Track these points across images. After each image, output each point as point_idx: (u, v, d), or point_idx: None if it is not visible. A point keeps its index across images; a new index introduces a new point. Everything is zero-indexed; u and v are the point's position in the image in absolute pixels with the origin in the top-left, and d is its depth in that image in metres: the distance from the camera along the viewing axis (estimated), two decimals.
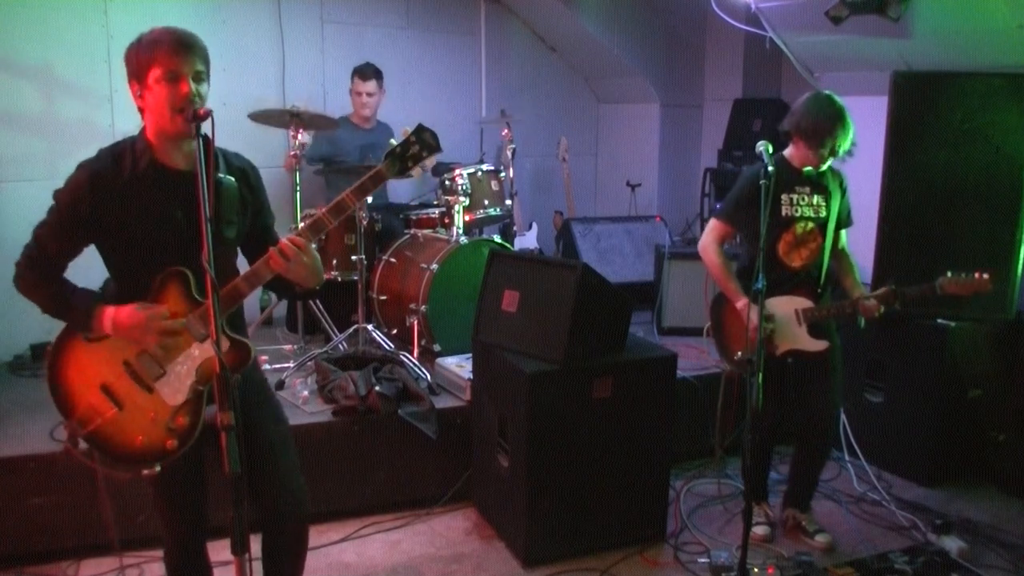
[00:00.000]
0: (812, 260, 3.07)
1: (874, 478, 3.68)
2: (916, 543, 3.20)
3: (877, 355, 3.84)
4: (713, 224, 3.18)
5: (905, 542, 3.22)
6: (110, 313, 1.93)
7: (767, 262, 3.04)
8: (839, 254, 3.21)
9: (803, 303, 3.03)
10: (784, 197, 3.03)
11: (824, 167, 3.03)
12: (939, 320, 3.63)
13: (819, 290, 3.10)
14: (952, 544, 3.10)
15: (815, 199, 3.05)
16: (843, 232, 3.21)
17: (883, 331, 3.74)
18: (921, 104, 3.63)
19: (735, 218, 3.14)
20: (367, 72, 4.77)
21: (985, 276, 2.86)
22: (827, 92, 2.99)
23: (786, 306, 3.03)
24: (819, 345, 3.03)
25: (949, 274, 2.88)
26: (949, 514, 3.40)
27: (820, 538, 3.24)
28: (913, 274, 3.06)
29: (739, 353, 3.05)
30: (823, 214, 3.05)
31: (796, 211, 3.03)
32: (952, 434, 3.73)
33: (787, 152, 3.09)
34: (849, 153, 2.99)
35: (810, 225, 3.04)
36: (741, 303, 3.03)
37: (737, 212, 3.11)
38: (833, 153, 2.95)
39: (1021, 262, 3.54)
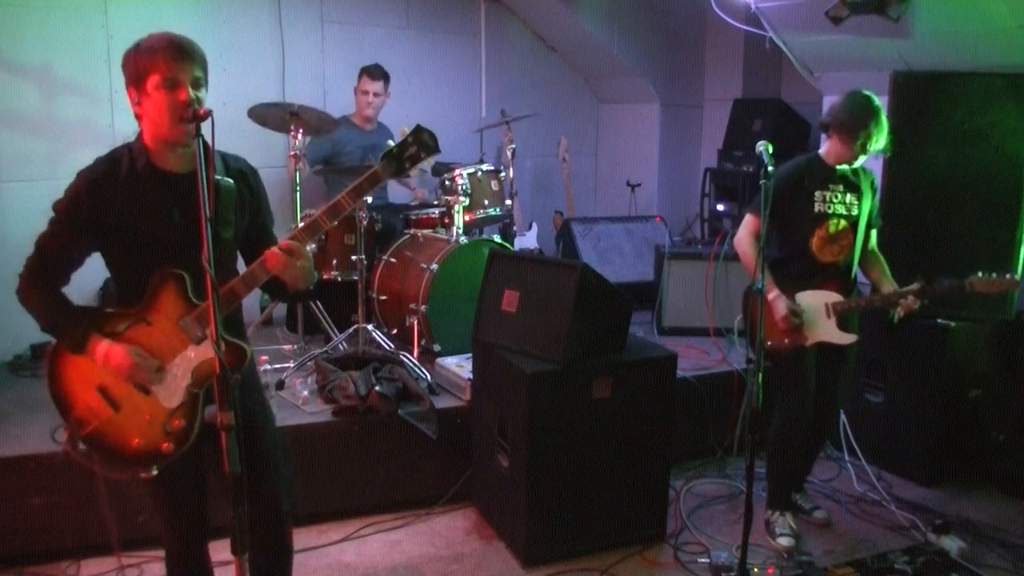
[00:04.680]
0: (843, 256, 3.13)
1: (874, 478, 3.68)
2: (916, 543, 3.20)
3: (877, 355, 3.84)
4: (748, 218, 3.22)
5: (905, 542, 3.22)
6: (103, 348, 1.93)
7: (800, 256, 3.13)
8: (869, 254, 3.27)
9: (833, 296, 3.09)
10: (817, 194, 3.10)
11: (858, 163, 3.09)
12: (939, 320, 3.63)
13: (848, 284, 3.16)
14: (952, 544, 3.10)
15: (848, 197, 3.12)
16: (873, 232, 3.27)
17: (883, 331, 3.74)
18: (921, 104, 3.63)
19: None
20: (375, 72, 4.78)
21: (1016, 278, 2.93)
22: (864, 91, 3.04)
23: (816, 299, 3.09)
24: (848, 338, 3.11)
25: (980, 274, 2.92)
26: (949, 514, 3.40)
27: (818, 514, 3.36)
28: (913, 274, 3.06)
29: (768, 343, 3.08)
30: (855, 212, 3.12)
31: (829, 208, 3.10)
32: (952, 434, 3.73)
33: (822, 150, 3.16)
34: (883, 151, 3.08)
35: (842, 223, 3.10)
36: (772, 294, 3.05)
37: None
38: (865, 149, 3.02)
39: (1021, 262, 3.54)
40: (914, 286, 3.00)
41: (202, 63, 1.93)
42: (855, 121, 2.99)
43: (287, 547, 2.28)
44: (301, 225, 2.04)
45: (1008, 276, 2.91)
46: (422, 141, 2.03)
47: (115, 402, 1.96)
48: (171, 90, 1.86)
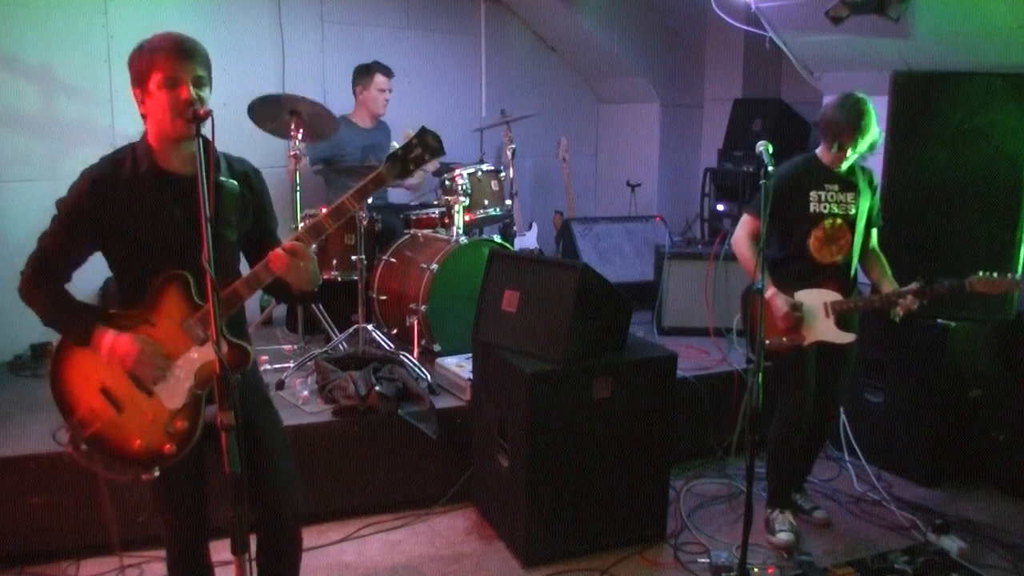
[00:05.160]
0: (842, 255, 3.13)
1: (874, 478, 3.68)
2: (916, 543, 3.20)
3: (877, 355, 3.84)
4: (745, 219, 3.22)
5: (905, 542, 3.22)
6: (109, 339, 1.93)
7: (799, 256, 3.13)
8: (870, 253, 3.27)
9: (832, 296, 3.09)
10: (813, 194, 3.10)
11: (845, 165, 3.09)
12: (939, 320, 3.63)
13: (848, 284, 3.16)
14: (952, 544, 3.10)
15: (844, 196, 3.11)
16: (874, 231, 3.27)
17: (883, 331, 3.74)
18: (921, 104, 3.63)
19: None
20: (389, 70, 4.80)
21: (1016, 278, 2.94)
22: (859, 95, 3.04)
23: (815, 298, 3.09)
24: (846, 338, 3.11)
25: (980, 273, 2.93)
26: (949, 514, 3.40)
27: (818, 514, 3.37)
28: (913, 274, 3.06)
29: (767, 342, 3.07)
30: (852, 211, 3.12)
31: (824, 207, 3.10)
32: (952, 434, 3.73)
33: (818, 150, 3.17)
34: (865, 154, 3.08)
35: (838, 221, 3.10)
36: (769, 293, 3.06)
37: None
38: (844, 150, 3.02)
39: (1021, 262, 3.54)
40: (913, 286, 3.01)
41: (205, 63, 1.94)
42: (832, 125, 3.01)
43: (290, 548, 2.27)
44: (303, 226, 2.04)
45: (1009, 276, 2.92)
46: (426, 143, 2.03)
47: (118, 403, 1.96)
48: (172, 88, 1.87)
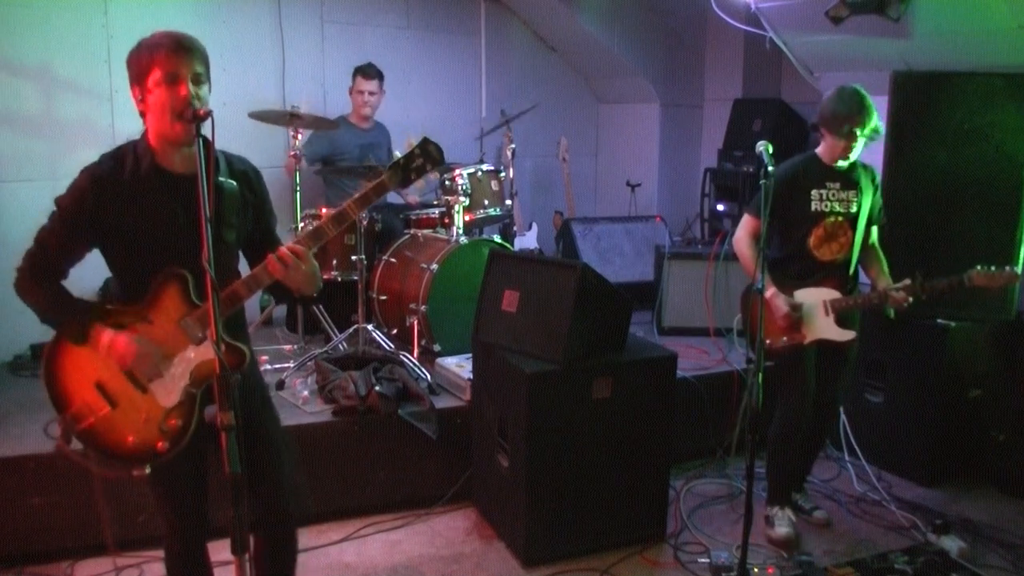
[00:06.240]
0: (842, 253, 3.12)
1: (874, 478, 3.68)
2: (916, 543, 3.20)
3: (877, 355, 3.84)
4: (745, 219, 3.22)
5: (905, 542, 3.22)
6: (107, 336, 1.93)
7: (800, 255, 3.14)
8: (870, 249, 3.27)
9: (831, 294, 3.09)
10: (814, 192, 3.10)
11: (853, 155, 3.07)
12: (939, 320, 3.63)
13: (847, 282, 3.16)
14: (952, 544, 3.10)
15: (845, 194, 3.11)
16: (875, 228, 3.27)
17: (883, 331, 3.74)
18: (921, 104, 3.63)
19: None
20: (370, 71, 4.78)
21: (1016, 270, 2.93)
22: (851, 85, 3.03)
23: (814, 297, 3.09)
24: (846, 335, 3.10)
25: (979, 268, 2.92)
26: (949, 514, 3.40)
27: (818, 514, 3.38)
28: (912, 274, 3.06)
29: (768, 341, 3.07)
30: (853, 209, 3.11)
31: (825, 206, 3.10)
32: (952, 434, 3.73)
33: (818, 149, 3.17)
34: (871, 138, 3.06)
35: (840, 219, 3.10)
36: (770, 292, 3.06)
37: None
38: (854, 136, 3.00)
39: (1021, 262, 3.54)
40: (906, 281, 3.01)
41: (203, 59, 1.94)
42: (839, 113, 2.99)
43: (290, 548, 2.28)
44: (302, 227, 2.05)
45: (1008, 269, 2.91)
46: (428, 153, 2.06)
47: (112, 398, 1.96)
48: (171, 85, 1.87)
